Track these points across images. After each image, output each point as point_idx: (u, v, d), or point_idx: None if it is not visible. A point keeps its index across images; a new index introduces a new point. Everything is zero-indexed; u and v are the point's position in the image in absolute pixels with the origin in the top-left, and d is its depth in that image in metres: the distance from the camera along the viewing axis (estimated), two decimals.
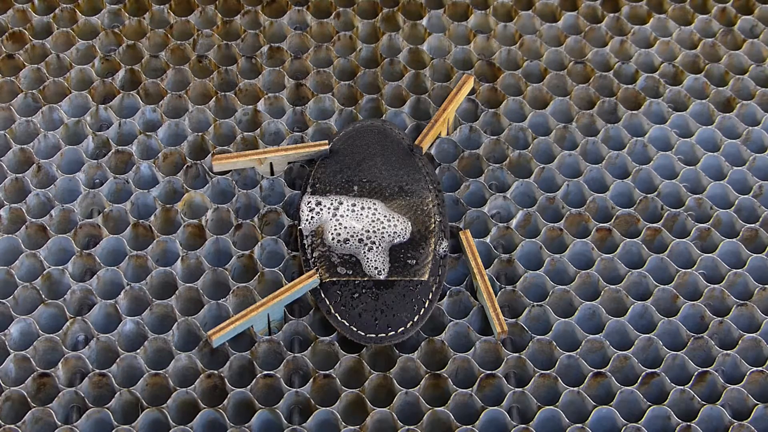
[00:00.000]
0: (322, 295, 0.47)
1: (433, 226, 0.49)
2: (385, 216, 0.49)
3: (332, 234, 0.48)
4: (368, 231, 0.49)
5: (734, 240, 0.50)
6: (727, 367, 0.47)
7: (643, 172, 0.53)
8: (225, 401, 0.44)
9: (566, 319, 0.47)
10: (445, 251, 0.48)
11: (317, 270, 0.47)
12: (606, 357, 0.46)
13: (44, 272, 0.48)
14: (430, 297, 0.47)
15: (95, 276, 0.48)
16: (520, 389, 0.45)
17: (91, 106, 0.55)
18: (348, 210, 0.49)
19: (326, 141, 0.52)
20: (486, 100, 0.56)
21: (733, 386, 0.46)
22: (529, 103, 0.56)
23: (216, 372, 0.45)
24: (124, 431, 0.44)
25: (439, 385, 0.46)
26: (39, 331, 0.46)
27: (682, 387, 0.46)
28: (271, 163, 0.52)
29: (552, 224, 0.51)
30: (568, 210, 0.51)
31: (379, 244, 0.48)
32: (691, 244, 0.50)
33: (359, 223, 0.49)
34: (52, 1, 0.59)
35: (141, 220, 0.50)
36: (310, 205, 0.50)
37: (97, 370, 0.45)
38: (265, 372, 0.45)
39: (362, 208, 0.49)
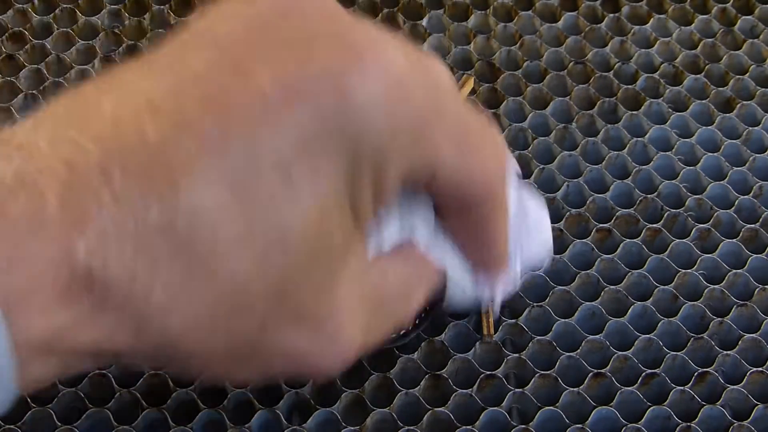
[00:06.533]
0: None
1: None
2: None
3: None
4: None
5: (734, 240, 0.50)
6: (727, 367, 0.47)
7: (643, 172, 0.53)
8: (225, 401, 0.44)
9: (566, 320, 0.47)
10: None
11: None
12: (606, 357, 0.46)
13: None
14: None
15: None
16: (520, 390, 0.45)
17: None
18: None
19: None
20: (486, 100, 0.56)
21: (733, 386, 0.46)
22: (529, 104, 0.56)
23: None
24: (124, 431, 0.44)
25: (439, 385, 0.46)
26: None
27: (682, 387, 0.46)
28: None
29: (552, 225, 0.50)
30: (568, 210, 0.51)
31: None
32: (691, 244, 0.50)
33: None
34: (52, 1, 0.59)
35: None
36: None
37: (97, 370, 0.45)
38: None
39: None
